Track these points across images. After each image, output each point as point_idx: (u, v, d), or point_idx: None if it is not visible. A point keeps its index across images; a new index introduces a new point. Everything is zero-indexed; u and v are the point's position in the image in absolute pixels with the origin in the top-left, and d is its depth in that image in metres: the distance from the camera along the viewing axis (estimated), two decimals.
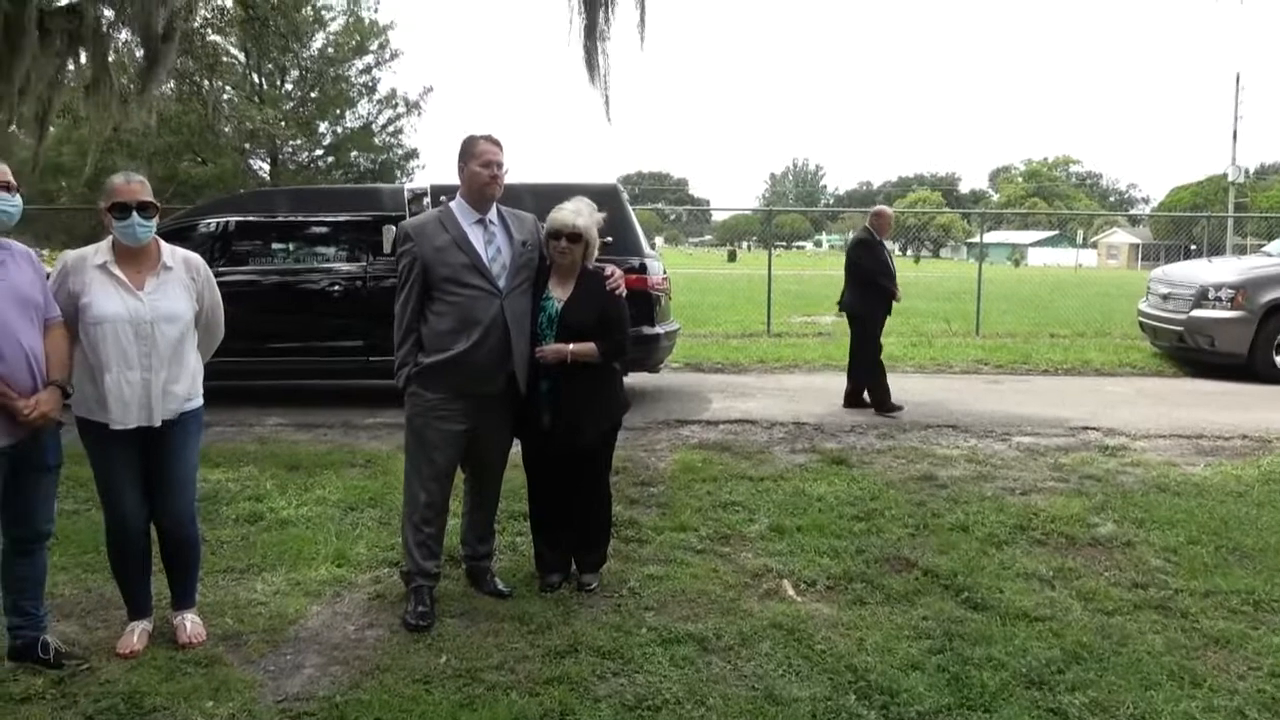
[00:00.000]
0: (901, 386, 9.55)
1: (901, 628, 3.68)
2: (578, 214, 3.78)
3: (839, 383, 9.80)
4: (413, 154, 28.06)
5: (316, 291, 8.05)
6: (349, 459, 6.27)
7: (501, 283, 3.70)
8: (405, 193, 8.34)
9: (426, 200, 8.02)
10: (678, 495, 5.45)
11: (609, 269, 3.89)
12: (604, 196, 7.35)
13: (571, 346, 3.72)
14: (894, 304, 7.98)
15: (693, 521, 4.94)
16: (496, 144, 3.77)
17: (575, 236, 3.75)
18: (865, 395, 8.10)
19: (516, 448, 4.08)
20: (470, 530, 4.08)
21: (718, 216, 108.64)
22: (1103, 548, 4.64)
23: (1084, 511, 5.17)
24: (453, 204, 3.80)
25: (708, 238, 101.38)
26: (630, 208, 8.42)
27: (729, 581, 4.14)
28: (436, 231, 3.70)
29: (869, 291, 7.96)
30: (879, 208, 8.27)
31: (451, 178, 3.85)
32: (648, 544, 4.61)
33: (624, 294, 3.88)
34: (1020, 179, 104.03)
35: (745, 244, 79.38)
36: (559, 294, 3.81)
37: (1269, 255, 11.44)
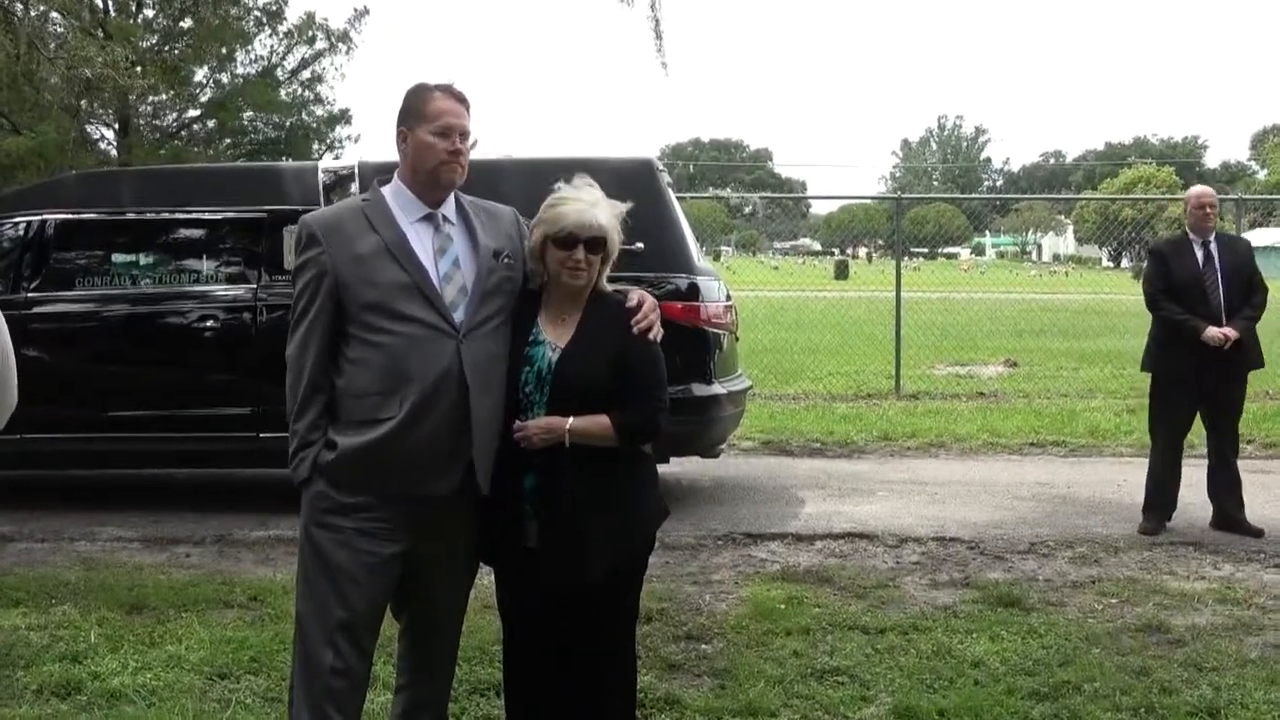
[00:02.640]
0: (1108, 477, 9.57)
1: None
2: (596, 205, 3.76)
3: (1010, 473, 9.77)
4: (341, 116, 28.57)
5: (179, 330, 8.18)
6: (223, 595, 6.29)
7: (459, 314, 3.70)
8: (320, 174, 8.47)
9: (355, 186, 8.13)
10: (745, 657, 5.40)
11: (634, 295, 3.86)
12: (632, 178, 7.46)
13: (571, 421, 3.69)
14: (1213, 351, 7.59)
15: (769, 701, 4.88)
16: (460, 100, 3.78)
17: (597, 243, 3.70)
18: (1233, 513, 7.85)
19: (484, 580, 4.03)
20: (404, 716, 4.03)
21: (820, 208, 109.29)
22: None
23: None
24: (386, 189, 3.82)
25: (804, 241, 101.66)
26: (674, 196, 8.46)
27: None
28: (359, 231, 3.71)
29: (1166, 334, 7.87)
30: (1195, 190, 8.17)
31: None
32: None
33: (659, 335, 3.85)
34: None
35: (865, 250, 79.48)
36: (554, 335, 3.79)
37: None
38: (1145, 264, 8.30)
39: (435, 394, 3.65)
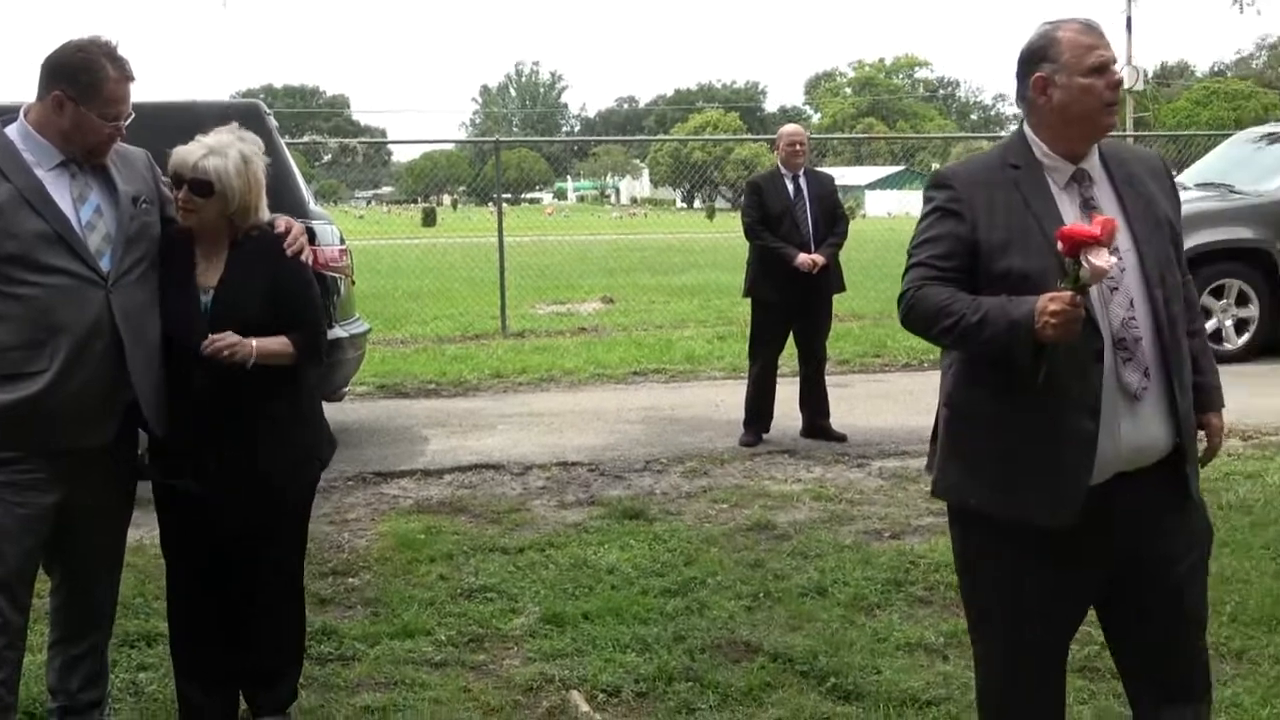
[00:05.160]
0: (706, 398, 10.28)
1: None
2: (211, 151, 3.76)
3: (618, 401, 10.31)
4: None
5: None
6: None
7: (105, 263, 3.66)
8: None
9: None
10: (394, 585, 5.56)
11: (280, 221, 3.94)
12: (240, 123, 7.28)
13: (256, 341, 3.72)
14: (805, 277, 8.28)
15: (423, 621, 5.07)
16: (130, 78, 3.71)
17: (201, 185, 3.72)
18: (821, 422, 8.64)
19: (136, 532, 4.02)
20: (64, 670, 3.98)
21: (402, 155, 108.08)
22: None
23: None
24: (11, 132, 3.68)
25: (386, 190, 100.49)
26: (284, 143, 8.36)
27: (491, 703, 4.31)
28: None
29: (763, 262, 8.55)
30: (786, 130, 8.82)
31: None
32: (357, 661, 4.70)
33: (309, 258, 3.96)
34: (849, 90, 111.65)
35: (448, 198, 79.54)
36: (208, 278, 3.81)
37: (1184, 188, 13.15)
38: (743, 197, 9.02)
39: (87, 345, 3.60)
